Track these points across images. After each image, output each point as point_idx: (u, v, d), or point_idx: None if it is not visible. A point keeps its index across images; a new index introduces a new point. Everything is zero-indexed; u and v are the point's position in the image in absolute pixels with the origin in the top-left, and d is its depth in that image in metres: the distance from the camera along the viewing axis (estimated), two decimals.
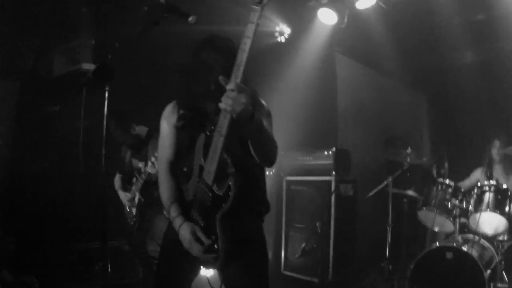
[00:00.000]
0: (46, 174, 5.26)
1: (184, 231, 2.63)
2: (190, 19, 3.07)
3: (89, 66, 5.09)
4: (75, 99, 5.45)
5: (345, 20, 6.09)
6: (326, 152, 5.93)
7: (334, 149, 5.91)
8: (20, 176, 5.23)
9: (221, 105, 2.38)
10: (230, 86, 2.37)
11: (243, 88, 2.39)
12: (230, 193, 2.52)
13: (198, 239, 2.59)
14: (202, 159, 2.64)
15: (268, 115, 2.82)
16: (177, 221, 2.68)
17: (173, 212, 2.74)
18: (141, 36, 3.16)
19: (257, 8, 2.41)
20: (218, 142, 2.50)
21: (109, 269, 3.25)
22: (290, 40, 6.35)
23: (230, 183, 2.52)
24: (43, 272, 4.94)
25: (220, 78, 2.44)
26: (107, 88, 3.06)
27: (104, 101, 3.07)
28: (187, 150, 2.83)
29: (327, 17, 6.11)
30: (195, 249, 2.58)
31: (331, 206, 5.77)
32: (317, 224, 5.83)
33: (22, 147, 5.27)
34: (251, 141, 2.57)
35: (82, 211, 5.25)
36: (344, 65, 6.73)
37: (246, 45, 2.39)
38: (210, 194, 2.57)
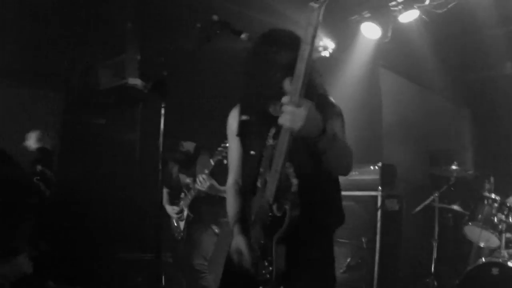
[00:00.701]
0: (92, 186, 5.33)
1: (234, 243, 2.63)
2: (242, 36, 3.07)
3: (135, 81, 5.16)
4: (123, 113, 5.58)
5: (389, 34, 6.06)
6: (372, 167, 5.87)
7: (380, 164, 5.84)
8: (66, 187, 5.35)
9: (280, 120, 2.15)
10: (284, 100, 2.14)
11: (302, 101, 2.12)
12: (285, 218, 2.34)
13: (240, 252, 2.57)
14: (268, 171, 2.44)
15: (339, 115, 2.58)
16: (235, 229, 2.69)
17: (231, 226, 2.75)
18: (195, 51, 3.19)
19: (316, 6, 2.08)
20: (279, 160, 2.29)
21: (163, 282, 3.26)
22: (334, 54, 6.34)
23: (286, 207, 2.34)
24: (88, 282, 5.00)
25: (286, 82, 2.25)
26: (163, 105, 3.08)
27: (160, 117, 3.08)
28: (253, 161, 2.63)
29: (370, 31, 6.09)
30: (235, 259, 2.58)
31: (377, 221, 5.69)
32: (363, 240, 5.76)
33: (68, 158, 5.36)
34: (323, 157, 2.31)
35: (127, 222, 5.34)
36: (388, 79, 6.69)
37: (305, 52, 2.10)
38: (270, 214, 2.42)
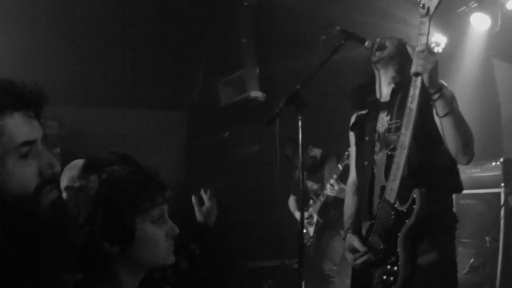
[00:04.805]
0: (220, 197, 5.53)
1: (346, 241, 2.79)
2: (366, 43, 3.10)
3: (256, 94, 5.30)
4: (246, 125, 5.72)
5: (499, 23, 5.84)
6: (494, 163, 5.66)
7: (502, 159, 5.62)
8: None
9: (412, 68, 2.38)
10: (420, 47, 2.36)
11: (433, 51, 2.45)
12: (414, 206, 2.43)
13: (353, 250, 2.68)
14: (384, 179, 2.60)
15: (453, 97, 2.62)
16: (346, 233, 2.85)
17: (345, 226, 2.90)
18: (324, 63, 3.23)
19: (426, 19, 2.40)
20: (401, 156, 2.44)
21: None
22: (447, 49, 6.18)
23: (414, 196, 2.43)
24: None
25: (408, 44, 2.49)
26: (300, 117, 3.14)
27: (298, 130, 3.13)
28: (370, 146, 2.80)
29: (480, 22, 5.89)
30: (348, 258, 2.72)
31: (500, 219, 5.47)
32: (486, 239, 5.57)
33: (194, 172, 5.60)
34: (445, 123, 2.43)
35: (253, 230, 5.48)
36: (503, 70, 6.40)
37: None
38: (392, 212, 2.51)
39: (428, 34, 2.40)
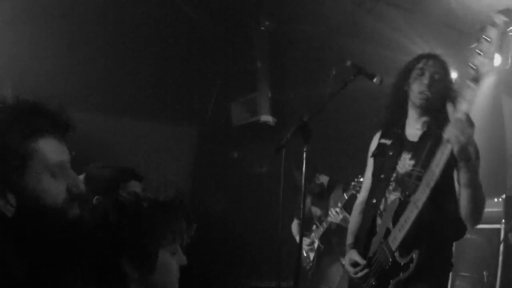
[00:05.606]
0: (224, 215, 5.62)
1: (347, 256, 2.91)
2: (375, 80, 3.21)
3: (267, 118, 5.40)
4: (255, 147, 5.81)
5: (510, 61, 5.92)
6: (496, 199, 5.71)
7: (504, 196, 5.67)
8: (199, 216, 5.67)
9: (445, 133, 2.27)
10: (459, 115, 2.25)
11: (472, 122, 2.25)
12: (411, 265, 2.47)
13: (354, 263, 2.80)
14: (391, 223, 2.62)
15: (477, 157, 2.62)
16: (347, 248, 2.98)
17: (348, 241, 3.02)
18: (333, 97, 3.34)
19: (474, 86, 2.27)
20: (412, 211, 2.43)
21: None
22: (456, 84, 6.26)
23: (414, 256, 2.46)
24: None
25: (448, 105, 2.36)
26: (305, 149, 3.22)
27: (303, 161, 3.20)
28: (385, 183, 2.78)
29: None
30: (349, 271, 2.82)
31: (498, 255, 5.52)
32: (484, 273, 5.61)
33: (202, 187, 5.69)
34: (463, 192, 2.40)
35: (253, 250, 5.55)
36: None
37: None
38: (390, 259, 2.56)
39: (472, 102, 2.26)
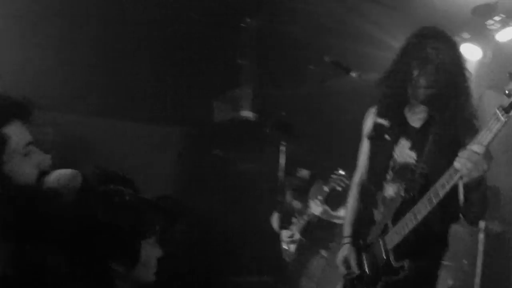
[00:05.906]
0: (211, 212, 5.64)
1: (342, 251, 2.77)
2: (353, 74, 3.22)
3: (247, 114, 5.44)
4: (238, 144, 5.86)
5: (490, 55, 6.00)
6: None
7: None
8: (188, 214, 5.70)
9: (456, 163, 2.09)
10: (476, 147, 2.05)
11: (490, 155, 2.07)
12: (401, 272, 2.46)
13: (347, 265, 2.72)
14: (391, 222, 2.53)
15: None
16: (344, 240, 2.81)
17: (345, 232, 2.85)
18: (312, 91, 3.40)
19: (503, 119, 2.01)
20: (411, 220, 2.35)
21: None
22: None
23: (405, 265, 2.46)
24: None
25: (475, 143, 2.06)
26: (283, 143, 3.26)
27: (278, 154, 3.20)
28: (382, 171, 2.62)
29: (471, 53, 6.04)
30: (340, 270, 2.75)
31: (478, 244, 5.65)
32: (464, 262, 5.74)
33: (186, 187, 5.73)
34: (468, 203, 2.31)
35: (236, 246, 5.61)
36: (493, 101, 6.55)
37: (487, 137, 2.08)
38: (384, 257, 2.54)
39: (495, 136, 2.01)
